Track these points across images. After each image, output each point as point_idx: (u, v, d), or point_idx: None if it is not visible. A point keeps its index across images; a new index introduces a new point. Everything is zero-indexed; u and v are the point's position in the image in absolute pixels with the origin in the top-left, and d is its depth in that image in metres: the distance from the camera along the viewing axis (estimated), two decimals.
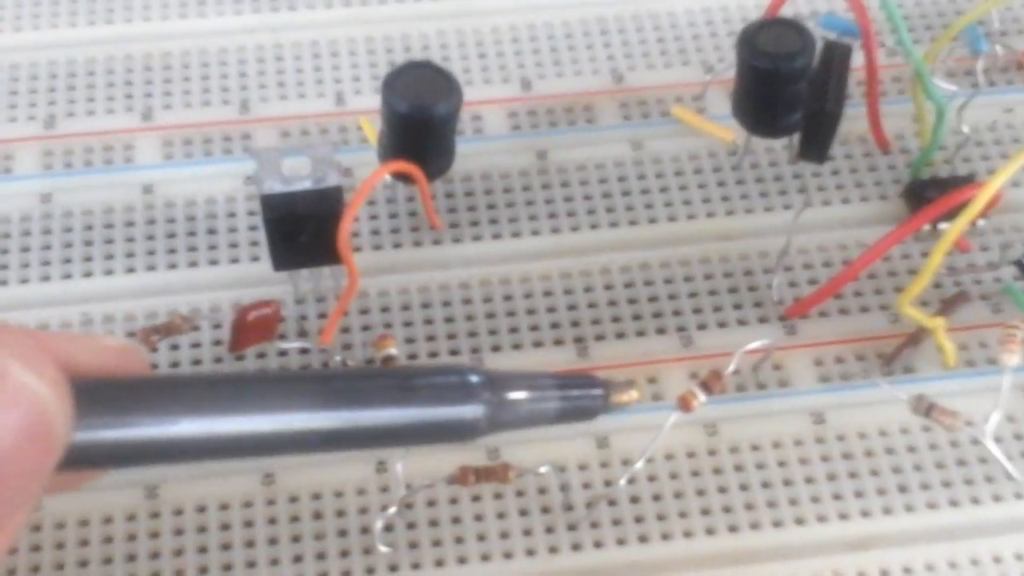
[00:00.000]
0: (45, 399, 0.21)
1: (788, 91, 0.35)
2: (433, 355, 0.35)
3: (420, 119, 0.34)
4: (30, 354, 0.21)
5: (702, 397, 0.31)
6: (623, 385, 0.28)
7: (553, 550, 0.32)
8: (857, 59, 0.36)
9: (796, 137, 0.36)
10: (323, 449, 0.27)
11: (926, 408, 0.31)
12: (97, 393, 0.23)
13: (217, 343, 0.35)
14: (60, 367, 0.22)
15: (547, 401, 0.27)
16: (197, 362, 0.34)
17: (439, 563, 0.32)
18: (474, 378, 0.26)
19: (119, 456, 0.24)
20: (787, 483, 0.33)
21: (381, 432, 0.26)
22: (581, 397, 0.28)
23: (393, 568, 0.32)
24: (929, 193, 0.36)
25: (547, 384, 0.27)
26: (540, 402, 0.27)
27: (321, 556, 0.32)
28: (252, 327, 0.33)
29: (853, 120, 0.38)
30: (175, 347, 0.35)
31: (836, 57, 0.33)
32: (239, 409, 0.24)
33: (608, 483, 0.33)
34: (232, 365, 0.34)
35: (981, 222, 0.37)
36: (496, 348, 0.35)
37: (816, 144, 0.34)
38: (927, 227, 0.36)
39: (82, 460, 0.23)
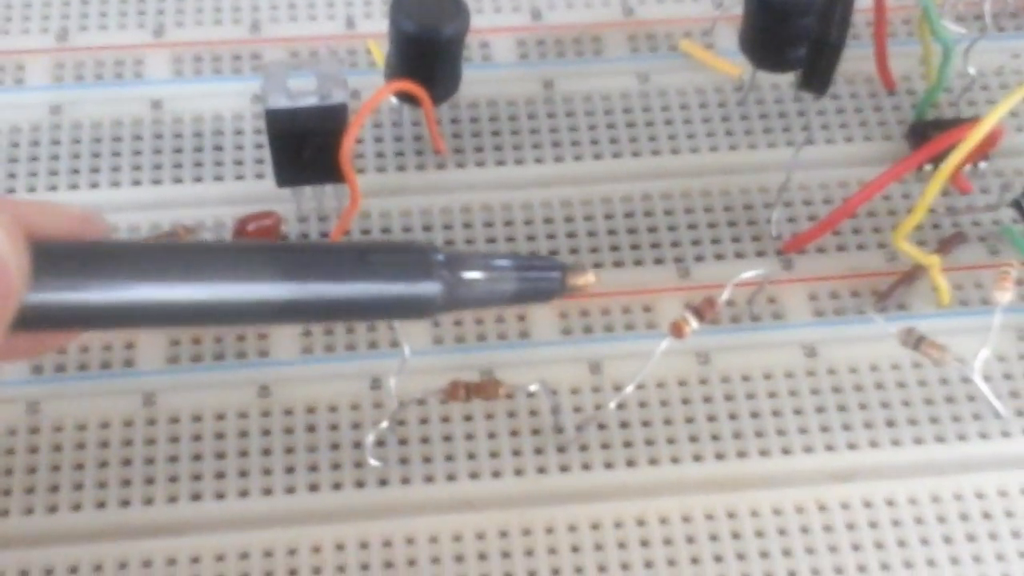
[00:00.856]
0: (4, 252, 0.21)
1: (795, 24, 0.35)
2: None
3: (427, 40, 0.34)
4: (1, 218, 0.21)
5: (694, 323, 0.32)
6: (580, 268, 0.28)
7: (542, 471, 0.32)
8: None
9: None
10: (279, 320, 0.27)
11: (915, 341, 0.32)
12: (54, 255, 0.23)
13: None
14: (19, 226, 0.22)
15: (504, 281, 0.27)
16: None
17: (428, 479, 0.32)
18: (433, 255, 0.26)
19: (73, 318, 0.24)
20: (776, 414, 0.33)
21: (338, 304, 0.26)
22: (538, 278, 0.28)
23: (383, 482, 0.32)
24: (932, 134, 0.36)
25: (505, 265, 0.28)
26: (497, 282, 0.27)
27: (313, 468, 0.32)
28: (252, 237, 0.33)
29: (860, 60, 0.38)
30: None
31: None
32: (195, 276, 0.24)
33: (599, 407, 0.33)
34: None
35: (983, 164, 0.37)
36: None
37: (818, 75, 0.34)
38: (929, 168, 0.36)
39: (37, 321, 0.23)
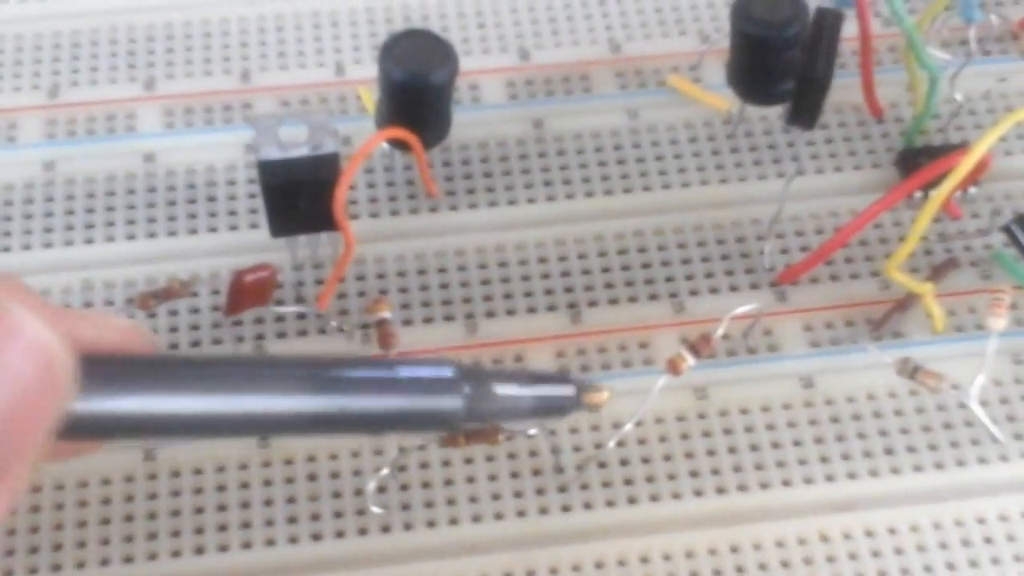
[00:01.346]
0: (57, 353, 0.22)
1: (781, 58, 0.35)
2: (428, 321, 0.35)
3: (416, 87, 0.34)
4: (45, 311, 0.22)
5: (690, 360, 0.32)
6: (595, 385, 0.29)
7: (543, 511, 0.32)
8: (853, 28, 0.36)
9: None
10: (308, 433, 0.28)
11: (911, 370, 0.32)
12: (99, 366, 0.24)
13: (215, 308, 0.35)
14: (70, 337, 0.23)
15: (523, 399, 0.28)
16: (195, 327, 0.35)
17: (431, 524, 0.32)
18: (455, 372, 0.27)
19: (115, 428, 0.24)
20: (775, 446, 0.33)
21: (367, 420, 0.27)
22: (555, 396, 0.29)
23: (386, 529, 0.32)
24: (922, 161, 0.37)
25: (523, 379, 0.28)
26: (515, 400, 0.28)
27: (315, 517, 0.32)
28: (249, 290, 0.33)
29: (847, 88, 0.38)
30: (174, 312, 0.35)
31: (827, 23, 0.34)
32: (234, 390, 0.25)
33: (598, 446, 0.33)
34: (229, 330, 0.35)
35: (972, 189, 0.37)
36: (491, 314, 0.35)
37: (805, 110, 0.34)
38: (919, 195, 0.36)
39: (80, 429, 0.24)
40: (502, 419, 0.28)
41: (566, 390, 0.29)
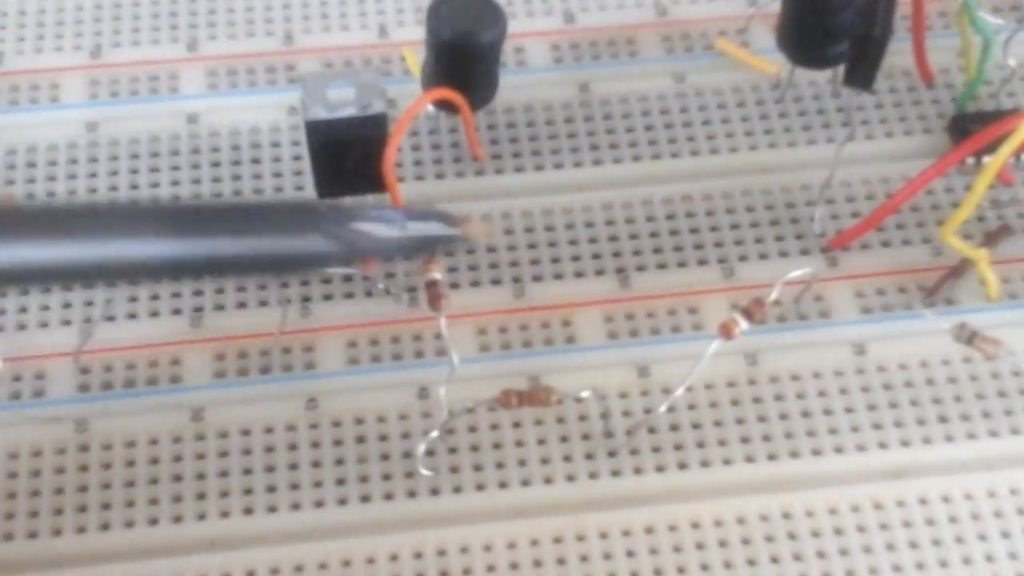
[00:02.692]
0: None
1: (835, 20, 0.35)
2: (475, 284, 0.35)
3: (464, 47, 0.34)
4: None
5: (744, 324, 0.31)
6: (464, 219, 0.28)
7: (593, 476, 0.32)
8: None
9: (841, 68, 0.35)
10: (173, 277, 0.27)
11: (968, 336, 0.31)
12: None
13: None
14: None
15: (391, 239, 0.28)
16: (241, 288, 0.35)
17: (480, 487, 0.32)
18: (314, 212, 0.27)
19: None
20: (827, 412, 0.33)
21: (231, 262, 0.26)
22: (425, 235, 0.28)
23: (435, 491, 0.32)
24: (973, 127, 0.36)
25: (390, 219, 0.28)
26: (385, 241, 0.28)
27: (364, 479, 0.32)
28: None
29: (898, 54, 0.38)
30: None
31: None
32: (91, 235, 0.24)
33: (648, 411, 0.33)
34: (276, 291, 0.35)
35: None
36: (537, 278, 0.35)
37: (863, 70, 0.34)
38: (971, 161, 0.36)
39: None
40: (376, 256, 0.27)
41: (435, 226, 0.28)
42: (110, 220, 0.25)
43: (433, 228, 0.28)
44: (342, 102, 0.33)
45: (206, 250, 0.26)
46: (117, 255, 0.25)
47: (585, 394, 0.32)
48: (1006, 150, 0.32)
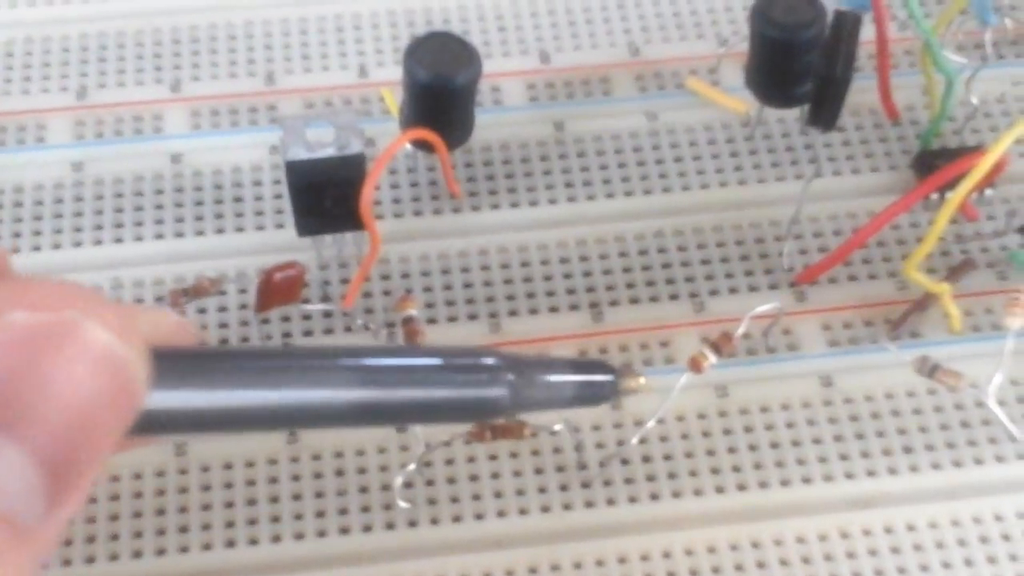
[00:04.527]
0: (129, 364, 0.21)
1: (800, 61, 0.35)
2: (452, 320, 0.36)
3: (440, 88, 0.35)
4: (111, 315, 0.21)
5: (712, 358, 0.32)
6: (632, 371, 0.29)
7: (567, 507, 0.33)
8: (870, 32, 0.37)
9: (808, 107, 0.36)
10: (359, 424, 0.28)
11: (930, 369, 0.32)
12: (167, 362, 0.24)
13: (243, 307, 0.36)
14: (142, 337, 0.22)
15: (564, 386, 0.28)
16: (223, 325, 0.35)
17: (457, 519, 0.33)
18: (499, 362, 0.27)
19: (185, 423, 0.25)
20: (795, 444, 0.34)
21: (414, 410, 0.27)
22: (594, 383, 0.29)
23: (412, 523, 0.33)
24: (938, 163, 0.37)
25: (564, 368, 0.28)
26: (558, 388, 0.28)
27: (343, 511, 0.33)
28: (277, 288, 0.34)
29: (864, 92, 0.39)
30: (202, 310, 0.36)
31: (846, 25, 0.34)
32: (287, 385, 0.25)
33: (621, 443, 0.34)
34: (258, 328, 0.35)
35: (989, 191, 0.37)
36: (513, 313, 0.36)
37: (825, 111, 0.35)
38: (935, 197, 0.37)
39: (152, 425, 0.24)
40: (544, 407, 0.28)
41: (604, 376, 0.29)
42: (310, 368, 0.25)
43: (598, 379, 0.29)
44: (321, 142, 0.34)
45: (396, 399, 0.26)
46: (312, 403, 0.25)
47: (558, 427, 0.33)
48: (966, 186, 0.33)
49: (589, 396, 0.28)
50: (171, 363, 0.24)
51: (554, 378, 0.28)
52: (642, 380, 0.29)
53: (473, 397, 0.27)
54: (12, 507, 0.19)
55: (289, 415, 0.25)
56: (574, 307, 0.36)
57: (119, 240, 0.37)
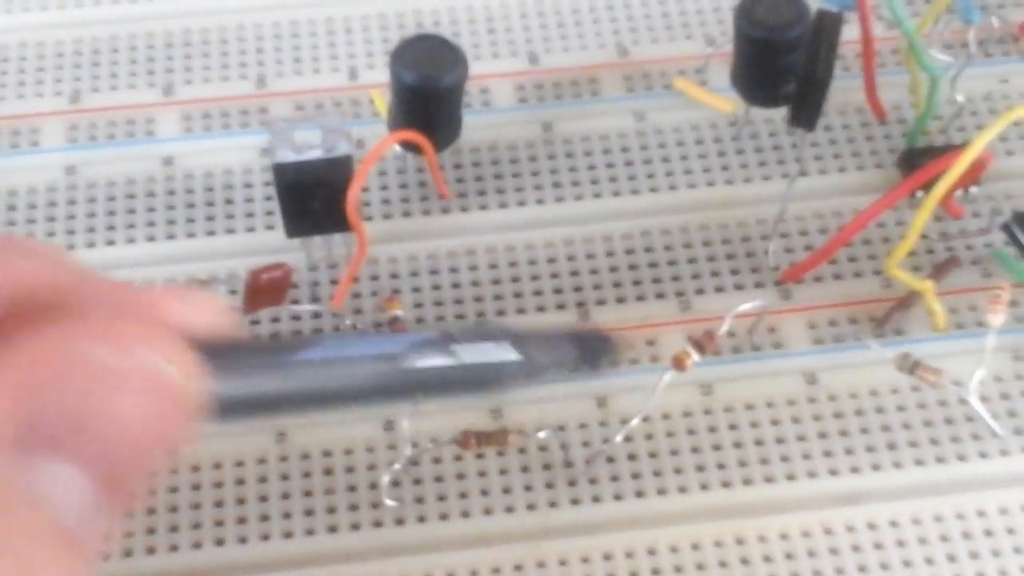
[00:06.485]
0: (177, 382, 0.22)
1: (784, 61, 0.36)
2: (440, 319, 0.36)
3: (427, 90, 0.35)
4: (160, 338, 0.22)
5: (695, 356, 0.33)
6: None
7: (553, 505, 0.33)
8: (856, 31, 0.37)
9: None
10: (388, 404, 0.29)
11: (911, 365, 0.33)
12: (223, 354, 0.24)
13: (232, 308, 0.36)
14: (177, 342, 0.23)
15: (566, 347, 0.29)
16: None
17: (443, 517, 0.33)
18: (506, 334, 0.28)
19: (241, 410, 0.25)
20: (779, 441, 0.34)
21: (437, 390, 0.27)
22: (590, 340, 0.29)
23: (400, 521, 0.33)
24: (924, 161, 0.37)
25: (563, 334, 0.29)
26: (560, 349, 0.29)
27: (331, 510, 0.33)
28: (265, 289, 0.34)
29: (850, 91, 0.39)
30: None
31: (827, 25, 0.34)
32: (332, 368, 0.26)
33: (606, 441, 0.34)
34: (247, 328, 0.36)
35: (973, 189, 0.38)
36: (501, 312, 0.36)
37: (806, 110, 0.35)
38: (921, 195, 0.37)
39: (232, 410, 0.24)
40: (552, 370, 0.29)
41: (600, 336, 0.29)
42: (344, 365, 0.26)
43: (593, 342, 0.29)
44: (308, 145, 0.34)
45: (421, 383, 0.27)
46: (347, 391, 0.26)
47: (543, 434, 0.33)
48: (944, 184, 0.33)
49: (590, 358, 0.29)
50: (229, 356, 0.24)
51: (554, 338, 0.28)
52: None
53: (490, 367, 0.27)
54: (73, 524, 0.20)
55: (317, 401, 0.26)
56: (561, 306, 0.36)
57: (111, 242, 0.38)
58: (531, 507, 0.33)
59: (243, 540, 0.33)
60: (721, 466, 0.34)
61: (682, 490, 0.33)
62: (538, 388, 0.32)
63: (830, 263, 0.37)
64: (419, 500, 0.33)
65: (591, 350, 0.29)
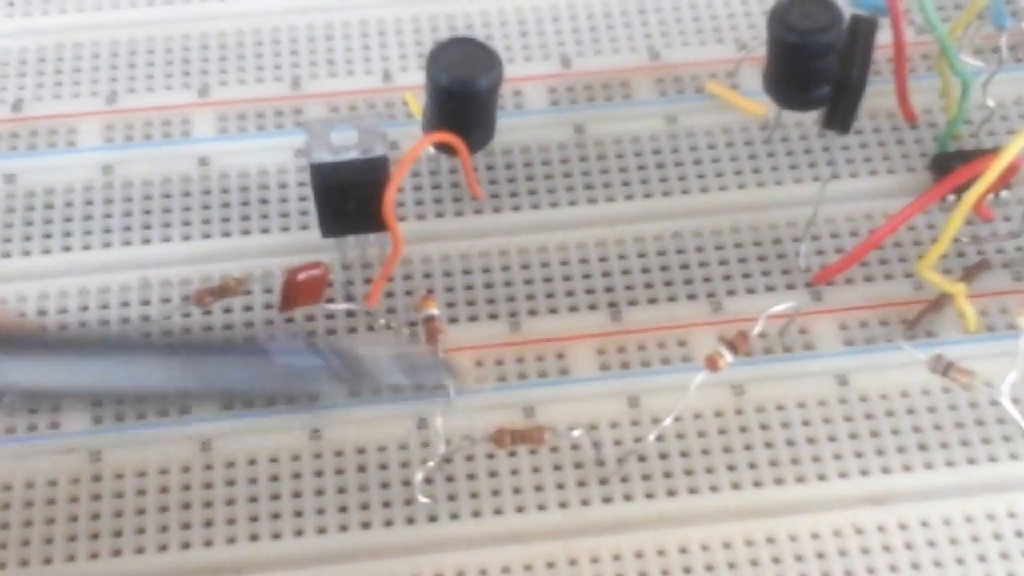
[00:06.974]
0: None
1: (817, 65, 0.36)
2: (473, 319, 0.36)
3: (462, 92, 0.36)
4: None
5: (728, 357, 0.33)
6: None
7: (585, 503, 0.33)
8: (888, 36, 0.37)
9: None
10: (183, 400, 0.29)
11: (944, 367, 0.33)
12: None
13: (268, 307, 0.36)
14: None
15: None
16: (249, 324, 0.36)
17: (476, 514, 0.33)
18: (322, 360, 0.28)
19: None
20: (810, 441, 0.34)
21: (238, 395, 0.28)
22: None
23: (432, 519, 0.33)
24: (954, 165, 0.37)
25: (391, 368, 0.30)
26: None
27: (365, 506, 0.33)
28: (301, 288, 0.35)
29: (882, 95, 0.39)
30: (228, 309, 0.36)
31: (862, 30, 0.35)
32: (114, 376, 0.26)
33: (638, 440, 0.34)
34: (282, 327, 0.36)
35: (1004, 193, 0.38)
36: (533, 312, 0.37)
37: (841, 114, 0.35)
38: (951, 198, 0.37)
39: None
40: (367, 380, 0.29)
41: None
42: (127, 357, 0.27)
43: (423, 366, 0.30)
44: (345, 145, 0.34)
45: (220, 388, 0.28)
46: (134, 386, 0.27)
47: (577, 433, 0.34)
48: (978, 189, 0.33)
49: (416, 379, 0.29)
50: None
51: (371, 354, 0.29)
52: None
53: (299, 388, 0.28)
54: None
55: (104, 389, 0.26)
56: (593, 307, 0.37)
57: (147, 241, 0.38)
58: (563, 505, 0.33)
59: (277, 536, 0.33)
60: (752, 466, 0.34)
61: (713, 489, 0.34)
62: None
63: (861, 265, 0.37)
64: (452, 497, 0.34)
65: (418, 373, 0.29)
